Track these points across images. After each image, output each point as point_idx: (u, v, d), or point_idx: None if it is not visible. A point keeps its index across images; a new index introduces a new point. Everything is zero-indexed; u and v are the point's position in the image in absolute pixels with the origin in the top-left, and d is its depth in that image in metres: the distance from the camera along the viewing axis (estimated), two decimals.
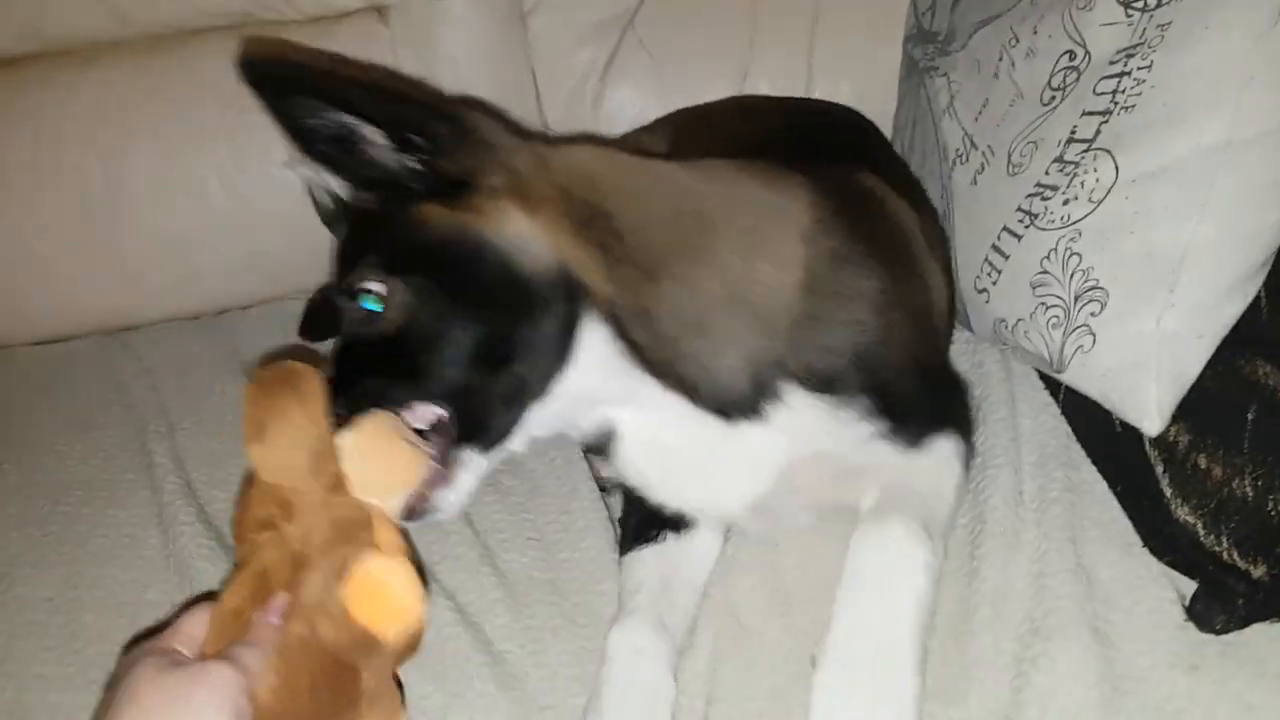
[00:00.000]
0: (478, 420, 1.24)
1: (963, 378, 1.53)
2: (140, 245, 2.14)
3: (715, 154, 1.53)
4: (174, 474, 1.70)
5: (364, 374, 1.23)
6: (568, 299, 1.22)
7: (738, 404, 1.28)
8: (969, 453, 1.40)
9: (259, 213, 2.12)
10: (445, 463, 1.22)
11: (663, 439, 1.32)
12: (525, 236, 1.23)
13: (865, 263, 1.35)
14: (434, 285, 1.22)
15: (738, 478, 1.33)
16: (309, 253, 2.10)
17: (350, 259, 1.28)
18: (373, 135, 1.23)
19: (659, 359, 1.25)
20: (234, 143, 2.10)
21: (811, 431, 1.30)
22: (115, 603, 1.52)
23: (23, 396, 2.01)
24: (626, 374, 1.26)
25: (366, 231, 1.31)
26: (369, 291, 1.22)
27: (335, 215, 2.06)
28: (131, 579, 1.55)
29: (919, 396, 1.36)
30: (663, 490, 1.37)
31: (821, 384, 1.29)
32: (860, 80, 2.13)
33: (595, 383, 1.26)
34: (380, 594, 1.09)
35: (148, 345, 2.10)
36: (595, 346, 1.24)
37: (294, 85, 1.21)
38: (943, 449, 1.36)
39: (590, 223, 1.24)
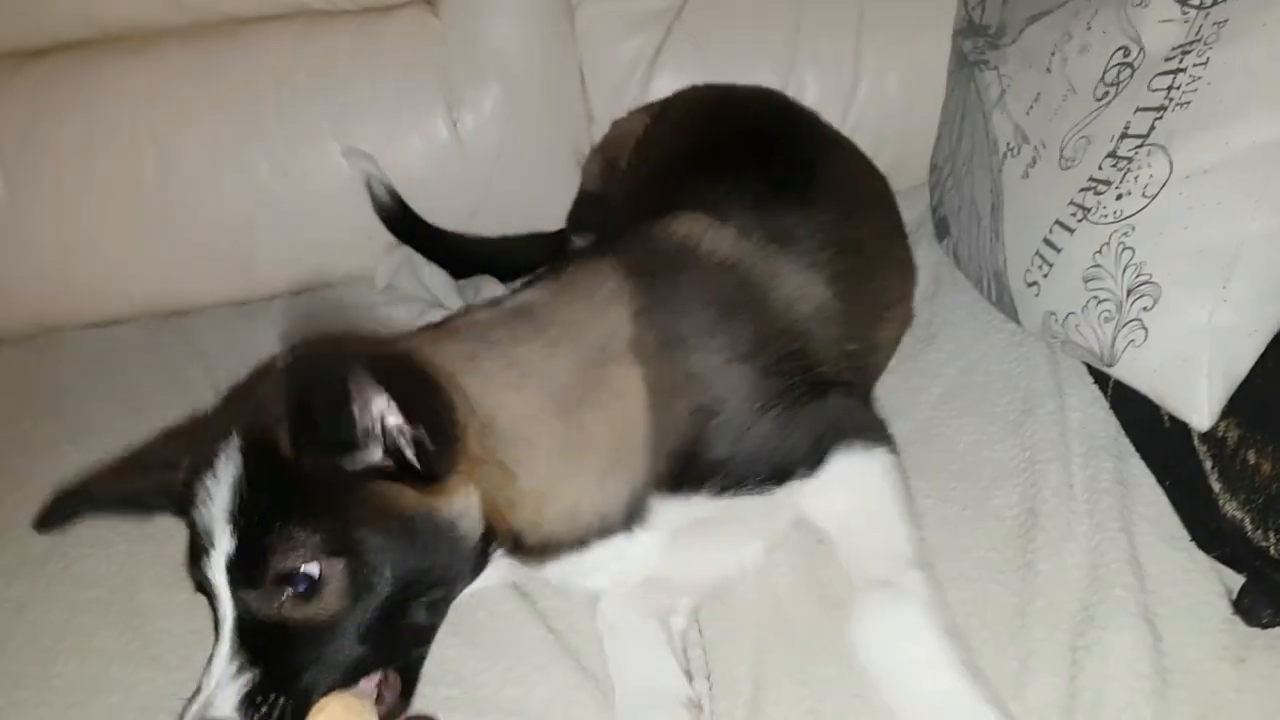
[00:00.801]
0: (408, 660, 1.28)
1: (838, 385, 1.47)
2: (192, 230, 2.18)
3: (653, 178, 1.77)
4: None
5: (297, 659, 1.18)
6: (485, 543, 1.27)
7: (614, 531, 1.33)
8: (881, 446, 1.39)
9: (310, 199, 2.15)
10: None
11: None
12: (470, 507, 1.25)
13: (693, 339, 1.39)
14: (384, 565, 1.19)
15: (626, 567, 1.37)
16: (359, 239, 2.15)
17: (261, 529, 1.17)
18: (392, 423, 1.20)
19: (545, 550, 1.32)
20: (286, 129, 2.14)
21: (683, 516, 1.34)
22: (174, 580, 1.51)
23: (77, 378, 2.05)
24: (515, 568, 1.34)
25: (285, 501, 1.18)
26: (305, 574, 1.16)
27: (393, 210, 2.11)
28: None
29: (789, 429, 1.36)
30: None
31: (681, 482, 1.33)
32: (907, 72, 2.13)
33: (488, 582, 1.34)
34: None
35: (199, 329, 2.14)
36: (496, 563, 1.31)
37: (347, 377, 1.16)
38: (848, 464, 1.37)
39: (501, 480, 1.28)
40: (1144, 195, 1.40)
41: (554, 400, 1.31)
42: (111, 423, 1.88)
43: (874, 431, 1.42)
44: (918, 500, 1.48)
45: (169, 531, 1.59)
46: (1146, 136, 1.41)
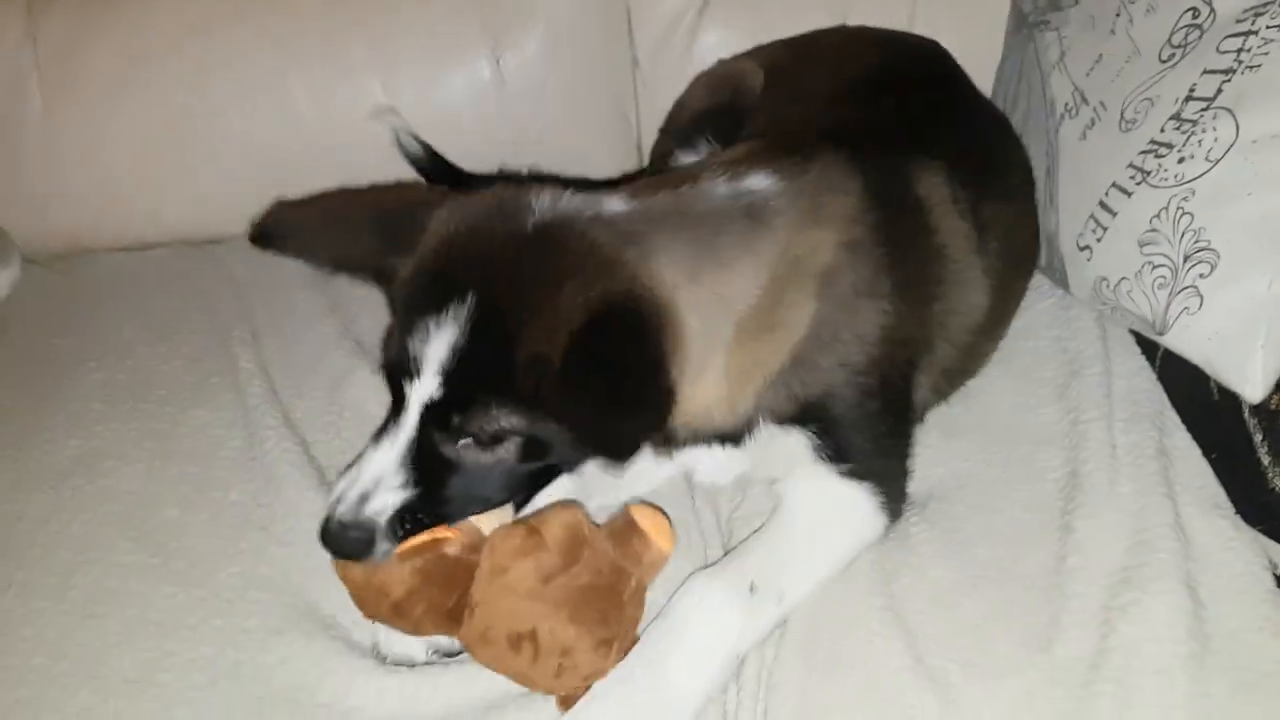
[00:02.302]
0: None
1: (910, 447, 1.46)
2: (226, 159, 2.16)
3: (807, 110, 1.64)
4: (258, 379, 1.72)
5: (451, 490, 1.28)
6: None
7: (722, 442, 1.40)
8: (888, 509, 1.37)
9: (346, 130, 2.12)
10: None
11: None
12: None
13: (877, 300, 1.37)
14: (552, 445, 1.28)
15: (717, 469, 1.45)
16: (394, 173, 2.12)
17: (466, 391, 1.24)
18: None
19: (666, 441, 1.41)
20: (327, 63, 2.12)
21: (765, 451, 1.38)
22: (199, 499, 1.54)
23: (106, 299, 2.03)
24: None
25: (494, 375, 1.23)
26: (489, 436, 1.25)
27: (424, 161, 2.07)
28: (215, 477, 1.58)
29: (865, 436, 1.37)
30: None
31: (787, 419, 1.36)
32: (964, 31, 2.07)
33: None
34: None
35: (230, 256, 2.11)
36: None
37: None
38: (853, 502, 1.36)
39: None
40: (1207, 160, 1.37)
41: (738, 327, 1.32)
42: (136, 344, 1.87)
43: (898, 501, 1.40)
44: (955, 462, 1.47)
45: (194, 451, 1.62)
46: (1213, 99, 1.38)
